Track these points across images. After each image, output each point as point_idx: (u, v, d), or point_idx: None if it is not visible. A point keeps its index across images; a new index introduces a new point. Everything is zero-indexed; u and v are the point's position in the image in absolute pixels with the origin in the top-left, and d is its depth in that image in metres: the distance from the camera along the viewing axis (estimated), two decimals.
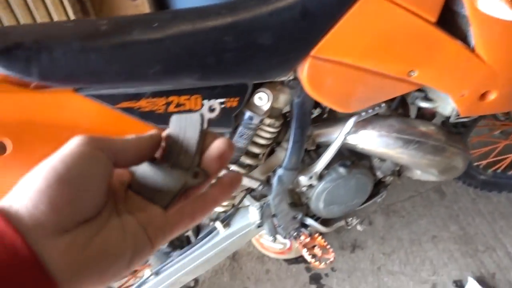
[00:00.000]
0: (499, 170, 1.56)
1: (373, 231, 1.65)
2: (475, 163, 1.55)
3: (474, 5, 0.70)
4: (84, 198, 0.30)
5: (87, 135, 0.33)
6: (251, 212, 0.98)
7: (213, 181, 0.38)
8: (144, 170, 0.37)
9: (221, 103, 0.76)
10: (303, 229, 1.07)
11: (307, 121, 0.88)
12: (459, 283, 1.44)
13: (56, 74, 0.58)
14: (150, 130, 0.37)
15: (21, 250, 0.27)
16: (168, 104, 0.72)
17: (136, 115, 0.70)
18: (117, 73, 0.62)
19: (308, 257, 1.03)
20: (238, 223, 1.04)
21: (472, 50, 0.76)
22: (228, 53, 0.67)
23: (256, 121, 0.81)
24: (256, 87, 0.79)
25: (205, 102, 0.75)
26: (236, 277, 1.53)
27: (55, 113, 0.64)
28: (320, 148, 1.02)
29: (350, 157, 1.02)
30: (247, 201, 1.04)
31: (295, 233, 1.07)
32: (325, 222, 1.10)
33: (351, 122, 0.90)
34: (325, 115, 1.01)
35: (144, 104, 0.71)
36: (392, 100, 0.97)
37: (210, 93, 0.71)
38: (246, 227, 1.03)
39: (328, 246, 1.03)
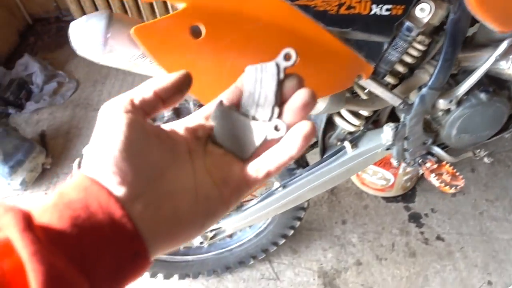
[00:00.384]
0: None
1: (476, 178, 1.62)
2: None
3: None
4: (141, 163, 0.31)
5: (111, 101, 0.33)
6: (385, 133, 0.99)
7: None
8: (226, 121, 0.36)
9: (388, 9, 0.76)
10: (429, 157, 1.07)
11: (460, 40, 0.86)
12: None
13: None
14: (176, 72, 0.35)
15: (115, 210, 0.28)
16: (340, 5, 0.73)
17: (310, 13, 0.72)
18: None
19: (436, 182, 1.04)
20: (366, 144, 1.06)
21: None
22: None
23: (414, 33, 0.80)
24: None
25: (374, 6, 0.76)
26: (334, 209, 1.58)
27: (242, 3, 0.68)
28: (458, 75, 1.00)
29: (490, 84, 0.99)
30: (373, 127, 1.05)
31: (421, 160, 1.07)
32: (451, 152, 1.09)
33: (505, 44, 0.87)
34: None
35: (319, 3, 0.72)
36: None
37: None
38: (374, 149, 1.05)
39: (458, 173, 1.03)
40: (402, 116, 0.99)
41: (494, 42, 0.88)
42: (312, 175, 1.07)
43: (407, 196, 1.59)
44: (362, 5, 0.74)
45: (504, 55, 0.88)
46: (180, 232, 0.32)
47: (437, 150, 1.07)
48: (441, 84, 0.90)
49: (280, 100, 0.36)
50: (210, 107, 0.38)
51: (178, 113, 1.05)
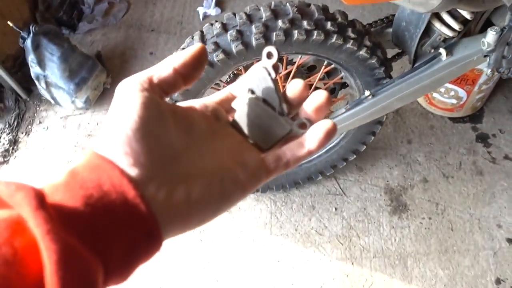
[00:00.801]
0: None
1: None
2: None
3: None
4: (155, 143, 0.30)
5: (128, 79, 0.31)
6: (488, 36, 0.96)
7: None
8: (250, 109, 0.36)
9: None
10: None
11: None
12: None
13: None
14: (186, 50, 0.34)
15: (128, 190, 0.28)
16: None
17: None
18: None
19: None
20: (462, 51, 1.03)
21: None
22: None
23: None
24: None
25: None
26: (400, 129, 1.57)
27: None
28: None
29: None
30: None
31: None
32: None
33: None
34: None
35: None
36: None
37: None
38: (471, 56, 1.02)
39: None
40: (508, 19, 0.95)
41: None
42: (403, 84, 1.05)
43: (474, 117, 1.57)
44: None
45: None
46: (193, 216, 0.32)
47: None
48: None
49: (284, 98, 0.36)
50: (230, 91, 0.38)
51: None
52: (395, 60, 1.21)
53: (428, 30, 1.03)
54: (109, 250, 0.27)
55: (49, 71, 1.54)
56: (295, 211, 1.45)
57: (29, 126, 1.73)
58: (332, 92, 1.31)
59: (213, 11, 2.00)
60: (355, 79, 1.12)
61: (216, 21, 0.98)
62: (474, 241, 1.35)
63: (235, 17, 0.96)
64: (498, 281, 1.29)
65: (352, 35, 0.98)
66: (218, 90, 1.26)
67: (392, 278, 1.32)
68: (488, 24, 1.06)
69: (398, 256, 1.35)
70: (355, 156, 1.37)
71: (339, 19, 0.99)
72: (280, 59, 1.10)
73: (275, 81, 0.36)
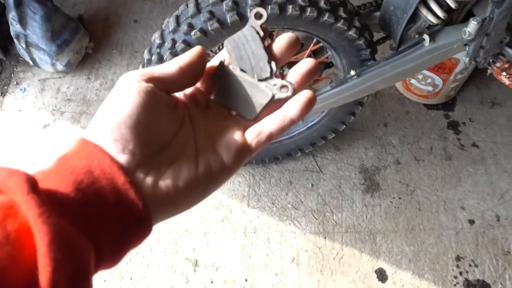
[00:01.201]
0: None
1: None
2: None
3: None
4: (148, 132, 0.31)
5: (130, 72, 0.32)
6: (470, 26, 1.01)
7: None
8: (230, 80, 0.36)
9: None
10: (500, 57, 1.11)
11: None
12: None
13: None
14: (190, 51, 0.36)
15: (118, 177, 0.28)
16: None
17: None
18: None
19: (506, 80, 1.08)
20: (444, 39, 1.08)
21: None
22: None
23: None
24: None
25: None
26: (377, 112, 1.63)
27: None
28: None
29: None
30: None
31: (492, 60, 1.11)
32: None
33: None
34: None
35: None
36: None
37: None
38: (452, 44, 1.07)
39: None
40: (489, 11, 1.00)
41: None
42: (387, 66, 1.10)
43: (447, 105, 1.65)
44: None
45: None
46: (181, 200, 0.32)
47: (509, 51, 1.10)
48: None
49: (272, 57, 0.36)
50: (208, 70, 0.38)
51: None
52: (379, 43, 1.25)
53: (415, 16, 1.08)
54: (100, 235, 0.27)
55: (30, 30, 1.50)
56: (273, 185, 1.50)
57: (5, 87, 1.68)
58: None
59: None
60: (341, 59, 1.16)
61: None
62: (439, 221, 1.44)
63: None
64: (458, 258, 1.38)
65: (343, 15, 1.02)
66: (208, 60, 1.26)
67: (361, 252, 1.39)
68: (470, 15, 1.11)
69: (368, 232, 1.42)
70: (334, 135, 1.42)
71: None
72: (271, 34, 1.12)
73: (263, 39, 0.36)
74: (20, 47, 1.58)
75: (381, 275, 1.36)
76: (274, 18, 0.97)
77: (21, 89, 1.67)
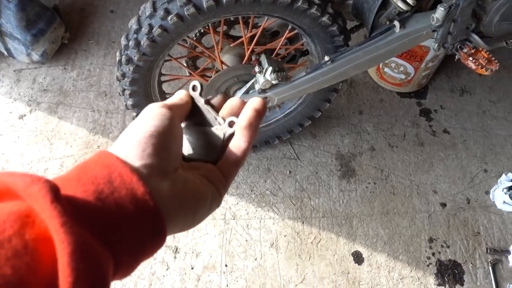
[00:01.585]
0: None
1: (482, 81, 1.74)
2: None
3: None
4: (171, 149, 0.34)
5: (156, 103, 0.37)
6: (437, 12, 1.05)
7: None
8: (192, 136, 0.41)
9: None
10: (467, 43, 1.15)
11: None
12: None
13: None
14: (181, 92, 0.41)
15: (138, 187, 0.29)
16: None
17: None
18: None
19: (472, 65, 1.13)
20: (413, 25, 1.11)
21: None
22: None
23: None
24: None
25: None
26: (352, 100, 1.67)
27: None
28: None
29: None
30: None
31: (459, 46, 1.15)
32: (486, 41, 1.17)
33: None
34: None
35: None
36: None
37: None
38: (421, 30, 1.11)
39: (493, 58, 1.12)
40: None
41: None
42: (359, 52, 1.13)
43: (419, 93, 1.70)
44: None
45: None
46: (199, 210, 0.35)
47: (475, 37, 1.15)
48: None
49: (216, 109, 0.42)
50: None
51: None
52: (353, 32, 1.29)
53: (385, 3, 1.11)
54: (118, 245, 0.28)
55: (4, 19, 1.48)
56: (252, 172, 1.52)
57: None
58: (293, 59, 1.38)
59: None
60: (316, 46, 1.19)
61: None
62: (412, 205, 1.49)
63: None
64: (430, 240, 1.43)
65: (317, 1, 1.04)
66: (185, 46, 1.27)
67: (338, 236, 1.43)
68: (439, 2, 1.15)
69: (344, 216, 1.46)
70: (310, 122, 1.45)
71: None
72: (246, 21, 1.15)
73: (206, 103, 0.42)
74: None
75: (358, 258, 1.40)
76: (249, 4, 0.99)
77: None
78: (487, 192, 1.52)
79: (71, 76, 1.68)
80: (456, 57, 1.19)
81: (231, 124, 0.40)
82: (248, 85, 1.19)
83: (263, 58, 1.15)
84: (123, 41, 1.10)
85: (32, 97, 1.62)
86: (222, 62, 1.23)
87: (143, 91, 1.19)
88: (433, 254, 1.41)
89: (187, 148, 0.41)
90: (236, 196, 1.47)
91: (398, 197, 1.50)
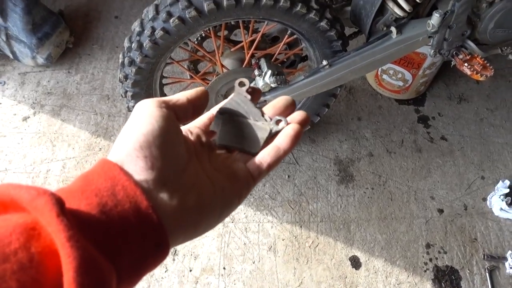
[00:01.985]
0: None
1: (479, 89, 1.76)
2: None
3: None
4: (171, 152, 0.33)
5: (146, 99, 0.35)
6: (433, 18, 1.08)
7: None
8: (228, 126, 0.41)
9: None
10: (463, 49, 1.18)
11: None
12: None
13: None
14: (196, 88, 0.40)
15: (141, 201, 0.29)
16: None
17: None
18: None
19: (468, 71, 1.15)
20: (410, 31, 1.14)
21: None
22: None
23: None
24: None
25: None
26: (351, 107, 1.69)
27: None
28: None
29: None
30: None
31: (455, 52, 1.18)
32: (482, 48, 1.19)
33: None
34: None
35: None
36: None
37: None
38: (417, 36, 1.14)
39: (488, 64, 1.14)
40: (451, 4, 1.07)
41: None
42: (357, 57, 1.15)
43: (418, 100, 1.72)
44: None
45: None
46: (202, 221, 0.34)
47: (470, 44, 1.17)
48: None
49: (261, 110, 0.42)
50: (204, 118, 0.42)
51: None
52: (351, 38, 1.31)
53: (382, 10, 1.14)
54: (122, 258, 0.28)
55: (11, 22, 1.51)
56: None
57: None
58: (292, 64, 1.40)
59: None
60: (314, 50, 1.21)
61: None
62: (410, 210, 1.50)
63: None
64: (428, 246, 1.44)
65: (315, 6, 1.07)
66: (186, 50, 1.30)
67: (336, 240, 1.44)
68: (435, 9, 1.18)
69: (342, 221, 1.47)
70: (309, 127, 1.47)
71: None
72: (246, 26, 1.17)
73: (252, 101, 0.42)
74: (0, 39, 1.59)
75: (355, 262, 1.40)
76: (249, 8, 1.02)
77: (0, 83, 1.67)
78: (484, 199, 1.53)
79: (75, 80, 1.71)
80: (452, 63, 1.21)
81: (278, 122, 0.40)
82: None
83: (262, 62, 1.18)
84: (126, 43, 1.13)
85: (36, 100, 1.65)
86: (222, 66, 1.25)
87: (145, 93, 1.21)
88: (430, 260, 1.42)
89: (226, 137, 0.40)
90: None
91: (396, 202, 1.51)
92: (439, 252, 1.43)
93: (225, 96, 1.30)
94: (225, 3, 0.99)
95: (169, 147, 0.32)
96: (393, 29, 1.14)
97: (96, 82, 1.71)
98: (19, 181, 1.46)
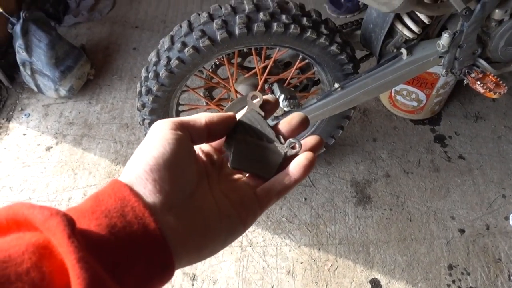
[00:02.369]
0: None
1: (496, 107, 1.75)
2: None
3: None
4: (180, 176, 0.33)
5: (162, 120, 0.35)
6: (442, 39, 1.09)
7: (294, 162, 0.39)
8: (241, 147, 0.40)
9: None
10: (474, 68, 1.18)
11: None
12: None
13: None
14: (224, 113, 0.40)
15: (149, 222, 0.30)
16: None
17: None
18: None
19: (481, 89, 1.15)
20: (420, 52, 1.16)
21: None
22: None
23: None
24: None
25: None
26: (366, 128, 1.70)
27: None
28: None
29: None
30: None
31: (467, 70, 1.18)
32: (495, 65, 1.20)
33: None
34: None
35: None
36: None
37: None
38: (428, 57, 1.15)
39: (501, 82, 1.15)
40: (460, 24, 1.09)
41: None
42: (368, 78, 1.17)
43: (433, 119, 1.72)
44: None
45: None
46: (207, 246, 0.34)
47: (482, 62, 1.18)
48: None
49: (277, 132, 0.41)
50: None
51: None
52: (363, 61, 1.34)
53: (392, 32, 1.16)
54: (129, 279, 0.28)
55: (35, 57, 1.59)
56: None
57: (11, 113, 1.76)
58: (305, 88, 1.43)
59: None
60: (326, 74, 1.24)
61: (203, 12, 1.07)
62: (430, 231, 1.48)
63: (221, 8, 1.06)
64: (450, 267, 1.41)
65: (325, 31, 1.10)
66: (201, 77, 1.34)
67: (355, 263, 1.42)
68: (444, 29, 1.20)
69: (361, 243, 1.46)
70: (324, 150, 1.48)
71: (314, 16, 1.11)
72: (259, 53, 1.21)
73: (265, 118, 0.41)
74: (25, 73, 1.67)
75: (376, 285, 1.38)
76: (261, 35, 1.06)
77: (25, 115, 1.74)
78: (507, 218, 1.49)
79: (96, 110, 1.77)
80: (465, 82, 1.21)
81: (293, 146, 0.39)
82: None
83: (275, 87, 1.21)
84: (143, 73, 1.17)
85: (58, 130, 1.71)
86: (236, 92, 1.29)
87: None
88: (453, 281, 1.38)
89: (239, 160, 0.39)
90: (253, 224, 1.49)
91: (415, 223, 1.49)
92: (462, 274, 1.40)
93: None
94: (237, 31, 1.03)
95: (179, 171, 0.33)
96: (403, 50, 1.15)
97: (116, 111, 1.77)
98: None
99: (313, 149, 0.40)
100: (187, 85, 1.23)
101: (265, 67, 1.27)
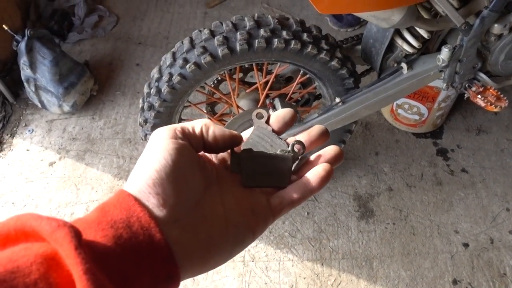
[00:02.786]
0: None
1: (498, 120, 1.75)
2: None
3: None
4: (184, 187, 0.33)
5: (162, 127, 0.35)
6: (442, 53, 1.10)
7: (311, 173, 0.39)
8: (250, 163, 0.39)
9: None
10: (475, 81, 1.19)
11: None
12: None
13: None
14: (231, 132, 0.39)
15: (155, 233, 0.30)
16: None
17: None
18: None
19: (482, 103, 1.15)
20: (420, 66, 1.16)
21: None
22: None
23: None
24: None
25: None
26: (368, 142, 1.70)
27: None
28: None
29: None
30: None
31: (467, 84, 1.19)
32: (494, 79, 1.20)
33: None
34: None
35: None
36: None
37: None
38: (428, 71, 1.16)
39: (502, 95, 1.15)
40: (459, 39, 1.09)
41: None
42: (369, 93, 1.18)
43: (435, 133, 1.72)
44: None
45: None
46: (211, 258, 0.34)
47: (482, 76, 1.18)
48: (501, 6, 1.01)
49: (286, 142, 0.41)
50: None
51: None
52: (364, 75, 1.34)
53: (392, 47, 1.17)
54: None
55: (39, 74, 1.61)
56: None
57: (15, 129, 1.77)
58: (307, 102, 1.43)
59: None
60: (327, 89, 1.25)
61: (204, 28, 1.09)
62: (433, 245, 1.46)
63: (222, 25, 1.07)
64: (455, 282, 1.39)
65: (325, 47, 1.11)
66: (203, 93, 1.35)
67: (358, 278, 1.41)
68: (444, 44, 1.21)
69: (364, 258, 1.45)
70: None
71: (314, 32, 1.12)
72: (260, 68, 1.22)
73: (273, 131, 0.41)
74: (29, 90, 1.69)
75: None
76: (261, 51, 1.07)
77: (29, 130, 1.76)
78: (511, 232, 1.48)
79: (99, 125, 1.78)
80: (466, 95, 1.22)
81: (297, 149, 0.39)
82: None
83: (276, 101, 1.21)
84: (145, 89, 1.18)
85: (62, 145, 1.72)
86: (238, 107, 1.29)
87: None
88: None
89: (251, 178, 0.39)
90: None
91: (419, 237, 1.48)
92: None
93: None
94: (238, 48, 1.04)
95: (183, 182, 0.32)
96: (403, 65, 1.16)
97: (119, 126, 1.78)
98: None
99: (332, 161, 0.40)
100: (189, 100, 1.24)
101: (266, 82, 1.28)
